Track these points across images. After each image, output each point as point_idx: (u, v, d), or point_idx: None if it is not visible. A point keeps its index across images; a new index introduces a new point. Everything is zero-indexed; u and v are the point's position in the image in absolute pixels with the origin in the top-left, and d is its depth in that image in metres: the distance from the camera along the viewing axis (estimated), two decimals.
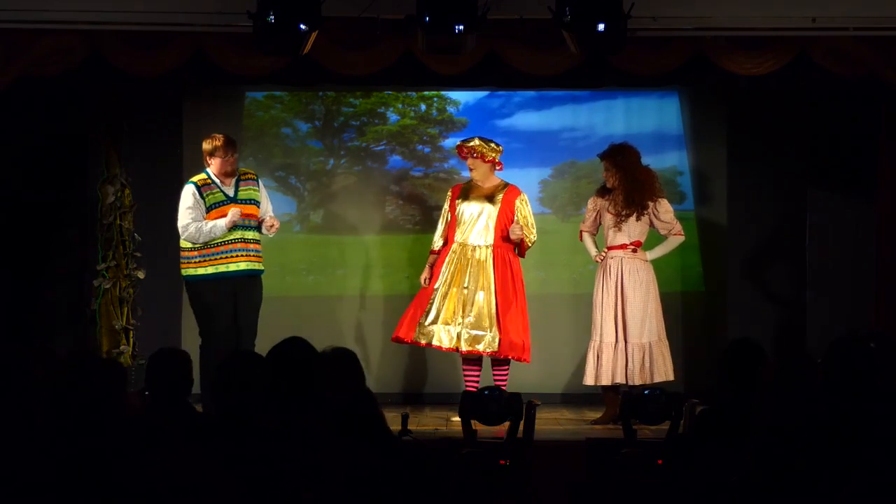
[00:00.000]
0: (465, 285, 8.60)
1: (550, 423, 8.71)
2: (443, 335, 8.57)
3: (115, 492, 3.98)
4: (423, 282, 8.77)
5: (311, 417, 4.43)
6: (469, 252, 8.67)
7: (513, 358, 8.62)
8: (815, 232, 9.76)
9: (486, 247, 8.65)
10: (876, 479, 3.97)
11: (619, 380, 8.58)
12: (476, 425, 6.99)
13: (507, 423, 6.93)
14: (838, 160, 9.65)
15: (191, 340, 8.58)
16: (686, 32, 8.29)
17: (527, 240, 8.63)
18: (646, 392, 6.94)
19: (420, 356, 9.68)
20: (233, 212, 8.28)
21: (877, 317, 9.15)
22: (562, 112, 10.04)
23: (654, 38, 8.29)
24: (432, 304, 8.62)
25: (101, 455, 4.04)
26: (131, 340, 9.49)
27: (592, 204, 8.82)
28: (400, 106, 10.03)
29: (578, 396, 9.44)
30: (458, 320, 8.56)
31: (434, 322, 8.59)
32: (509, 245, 8.67)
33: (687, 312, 9.92)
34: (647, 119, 9.97)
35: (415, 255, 9.81)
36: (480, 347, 8.54)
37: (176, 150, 9.53)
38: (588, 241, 8.84)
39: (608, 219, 8.69)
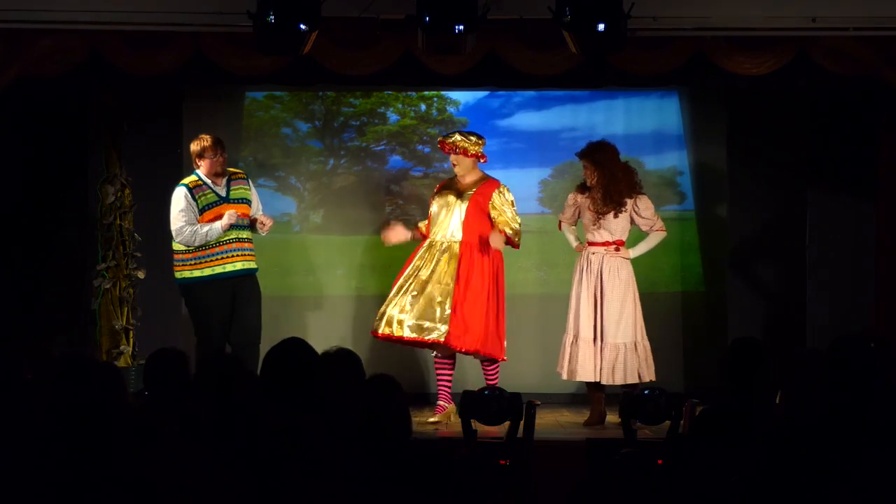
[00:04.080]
0: (423, 277, 8.55)
1: (550, 423, 8.71)
2: (393, 324, 8.52)
3: (115, 492, 3.97)
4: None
5: (311, 417, 4.43)
6: (436, 249, 8.62)
7: (469, 352, 8.52)
8: (815, 232, 9.75)
9: (454, 242, 8.59)
10: (876, 479, 3.97)
11: (595, 378, 8.53)
12: (476, 425, 7.01)
13: (507, 423, 6.94)
14: (838, 160, 9.64)
15: (191, 340, 8.58)
16: (686, 32, 8.29)
17: (507, 231, 8.51)
18: (646, 392, 6.94)
19: (420, 356, 9.68)
20: (229, 214, 8.28)
21: (877, 317, 9.15)
22: (562, 112, 10.03)
23: (654, 38, 8.29)
24: (389, 297, 8.61)
25: (100, 455, 4.04)
26: (131, 340, 9.48)
27: (572, 199, 8.77)
28: (400, 106, 10.03)
29: (578, 396, 9.43)
30: (407, 308, 8.48)
31: (383, 313, 8.55)
32: (483, 242, 8.53)
33: (687, 312, 9.92)
34: (647, 119, 9.97)
35: None
36: (428, 337, 8.42)
37: (176, 150, 9.53)
38: (567, 230, 8.81)
39: (588, 216, 8.65)
